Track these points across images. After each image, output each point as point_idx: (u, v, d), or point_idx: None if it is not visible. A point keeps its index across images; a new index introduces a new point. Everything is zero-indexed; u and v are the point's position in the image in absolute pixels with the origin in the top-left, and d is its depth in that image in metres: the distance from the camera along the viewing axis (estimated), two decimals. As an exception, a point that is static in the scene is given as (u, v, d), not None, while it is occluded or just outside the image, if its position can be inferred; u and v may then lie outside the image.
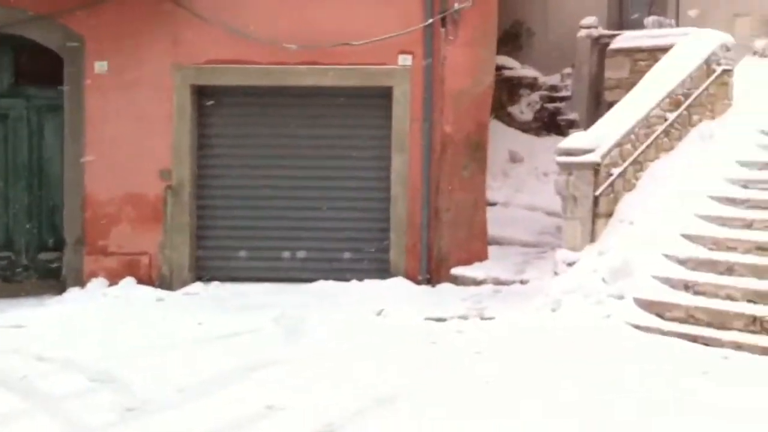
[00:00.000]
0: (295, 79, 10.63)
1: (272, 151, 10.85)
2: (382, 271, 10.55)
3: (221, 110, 10.92)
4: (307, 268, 10.72)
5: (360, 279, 10.41)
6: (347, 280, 10.35)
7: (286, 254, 10.88)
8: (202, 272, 10.80)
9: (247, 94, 10.87)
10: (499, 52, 12.61)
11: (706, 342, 7.39)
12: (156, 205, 10.63)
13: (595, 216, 8.79)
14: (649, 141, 9.21)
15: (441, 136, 10.57)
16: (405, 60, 10.52)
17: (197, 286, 10.40)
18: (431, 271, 10.52)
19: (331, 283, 10.31)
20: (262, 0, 10.64)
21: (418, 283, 10.38)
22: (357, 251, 10.81)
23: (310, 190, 10.83)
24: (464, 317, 8.53)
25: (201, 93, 10.85)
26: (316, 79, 10.59)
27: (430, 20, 10.35)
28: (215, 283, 10.50)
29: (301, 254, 10.88)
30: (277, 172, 10.85)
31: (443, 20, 10.37)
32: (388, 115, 10.65)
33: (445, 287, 10.12)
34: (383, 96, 10.66)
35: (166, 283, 10.52)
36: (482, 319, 8.47)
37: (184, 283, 10.52)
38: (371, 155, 10.80)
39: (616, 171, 8.87)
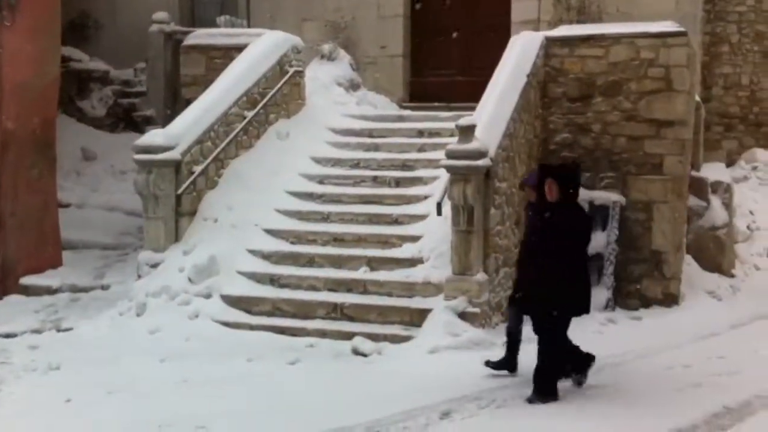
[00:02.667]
0: None
1: None
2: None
3: None
4: None
5: None
6: None
7: None
8: None
9: None
10: (64, 43, 11.66)
11: (293, 332, 7.58)
12: None
13: (178, 215, 8.52)
14: (229, 139, 9.18)
15: (2, 133, 9.40)
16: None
17: None
18: (-4, 282, 9.32)
19: None
20: None
21: (-21, 297, 9.12)
22: None
23: None
24: (38, 331, 7.73)
25: None
26: None
27: (-23, 3, 9.13)
28: None
29: None
30: None
31: (-1, 4, 9.23)
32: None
33: (14, 299, 9.04)
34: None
35: None
36: (59, 330, 7.73)
37: None
38: None
39: (197, 169, 8.68)
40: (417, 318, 7.48)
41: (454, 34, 12.22)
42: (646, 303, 9.20)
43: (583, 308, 6.05)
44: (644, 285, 9.28)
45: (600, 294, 8.85)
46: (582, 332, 6.64)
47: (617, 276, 9.15)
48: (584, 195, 9.26)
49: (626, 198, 9.33)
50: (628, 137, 9.36)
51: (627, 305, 9.13)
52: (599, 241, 9.10)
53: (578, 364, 6.21)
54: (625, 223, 9.27)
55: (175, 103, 11.99)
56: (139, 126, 12.80)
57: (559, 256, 5.79)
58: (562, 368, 6.05)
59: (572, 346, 6.16)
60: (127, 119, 13.33)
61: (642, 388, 6.18)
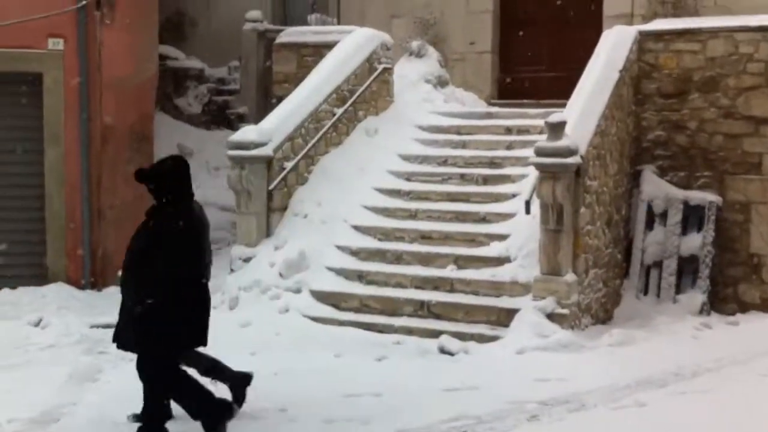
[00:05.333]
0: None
1: None
2: (39, 276, 9.51)
3: None
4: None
5: (13, 287, 9.28)
6: (-3, 288, 9.18)
7: None
8: None
9: None
10: (162, 41, 12.04)
11: (380, 329, 7.63)
12: None
13: (269, 210, 8.68)
14: (319, 135, 9.31)
15: (101, 128, 9.78)
16: (56, 44, 9.55)
17: None
18: (96, 274, 9.73)
19: (-25, 292, 9.07)
20: None
21: (82, 287, 9.54)
22: (7, 256, 9.62)
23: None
24: (135, 322, 7.94)
25: None
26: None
27: (84, 2, 9.49)
28: None
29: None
30: None
31: (98, 2, 9.57)
32: (39, 104, 9.60)
33: (113, 291, 9.35)
34: (33, 83, 9.59)
35: None
36: (155, 322, 7.94)
37: None
38: (21, 149, 9.68)
39: (288, 165, 8.83)
40: (504, 318, 7.43)
41: (543, 36, 12.04)
42: (743, 308, 8.89)
43: (189, 342, 5.04)
44: (741, 289, 8.98)
45: (694, 298, 8.61)
46: (676, 337, 6.47)
47: (713, 279, 8.86)
48: (679, 194, 9.07)
49: (723, 198, 9.03)
50: (725, 135, 9.06)
51: (723, 310, 8.83)
52: (694, 242, 8.85)
53: (234, 389, 5.47)
54: (722, 224, 8.98)
55: (267, 101, 12.24)
56: (233, 123, 13.12)
57: (149, 276, 4.82)
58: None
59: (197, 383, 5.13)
60: (221, 116, 13.67)
61: (737, 396, 5.99)
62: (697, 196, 9.05)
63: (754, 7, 9.94)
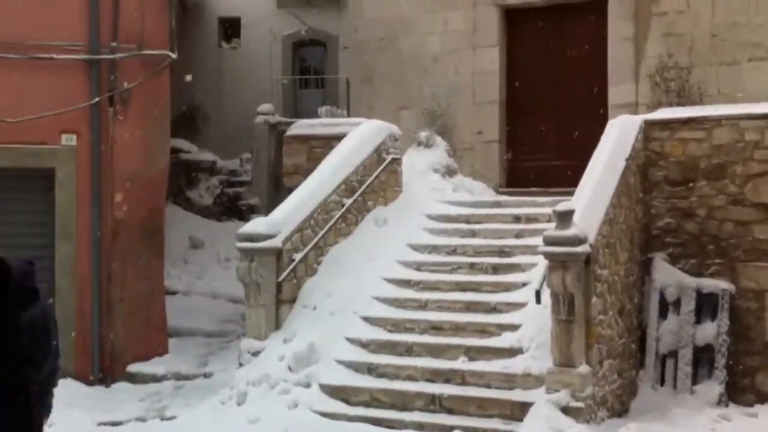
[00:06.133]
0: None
1: None
2: (47, 372, 9.42)
3: None
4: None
5: (19, 384, 9.18)
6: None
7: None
8: None
9: None
10: (174, 135, 12.25)
11: (390, 424, 7.47)
12: None
13: (279, 302, 8.64)
14: (328, 226, 9.35)
15: (112, 222, 9.87)
16: (69, 140, 9.73)
17: None
18: (105, 369, 9.65)
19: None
20: None
21: (90, 383, 9.45)
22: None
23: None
24: (142, 419, 7.88)
25: None
26: (-34, 158, 9.41)
27: (97, 98, 9.70)
28: None
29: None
30: None
31: (111, 99, 9.78)
32: (52, 199, 9.72)
33: (121, 386, 9.31)
34: (46, 178, 9.73)
35: None
36: (162, 419, 7.86)
37: None
38: (33, 244, 9.75)
39: (297, 256, 8.84)
40: (518, 411, 7.27)
41: (549, 125, 12.20)
42: (762, 398, 8.66)
43: None
44: (759, 379, 8.78)
45: (711, 389, 8.42)
46: (695, 430, 6.29)
47: (730, 369, 8.68)
48: (691, 282, 8.97)
49: (736, 286, 8.94)
50: (735, 222, 9.03)
51: (741, 401, 8.61)
52: (709, 331, 8.72)
53: None
54: (736, 312, 8.85)
55: (278, 192, 12.36)
56: (244, 214, 13.23)
57: None
58: None
59: None
60: (232, 208, 13.80)
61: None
62: (709, 283, 8.97)
63: (756, 95, 10.07)
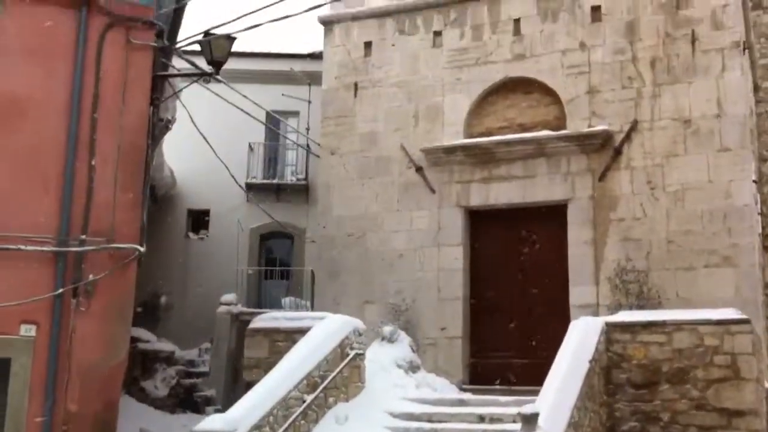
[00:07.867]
0: None
1: None
2: None
3: None
4: None
5: None
6: None
7: None
8: None
9: None
10: (135, 323, 12.09)
11: None
12: None
13: (231, 507, 8.21)
14: (287, 424, 9.08)
15: (64, 415, 9.48)
16: (28, 330, 9.53)
17: None
18: None
19: None
20: None
21: None
22: None
23: None
24: None
25: None
26: None
27: (61, 290, 9.62)
28: None
29: None
30: None
31: (75, 290, 9.70)
32: (4, 389, 9.37)
33: None
34: (0, 368, 9.44)
35: None
36: None
37: None
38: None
39: (255, 456, 8.52)
40: None
41: (512, 323, 12.29)
42: None
43: None
44: None
45: None
46: None
47: None
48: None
49: (703, 494, 8.76)
50: (698, 427, 8.99)
51: None
52: None
53: None
54: None
55: (236, 383, 12.11)
56: (199, 406, 12.85)
57: None
58: None
59: None
60: (187, 399, 13.42)
61: None
62: (677, 491, 8.77)
63: (712, 301, 10.32)
